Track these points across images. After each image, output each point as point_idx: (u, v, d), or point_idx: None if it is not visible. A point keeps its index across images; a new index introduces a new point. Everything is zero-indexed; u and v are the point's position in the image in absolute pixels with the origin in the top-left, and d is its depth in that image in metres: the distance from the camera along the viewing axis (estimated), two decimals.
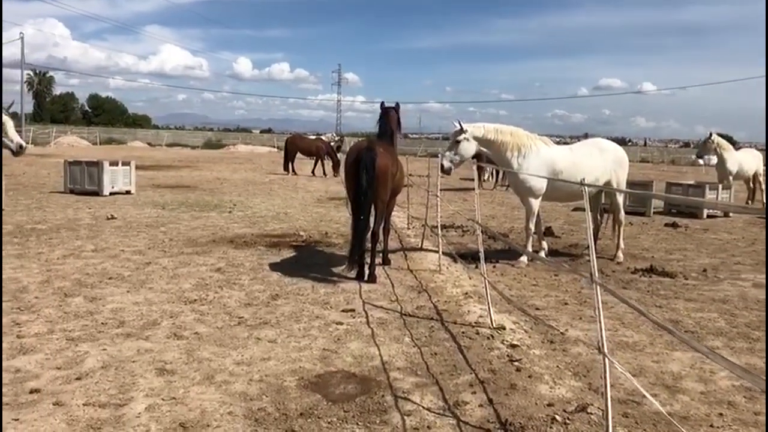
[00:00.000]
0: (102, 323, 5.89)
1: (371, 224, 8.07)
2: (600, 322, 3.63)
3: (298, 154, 28.76)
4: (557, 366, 5.10)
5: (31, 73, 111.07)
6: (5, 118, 8.30)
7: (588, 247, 10.80)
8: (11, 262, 8.31)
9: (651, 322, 6.14)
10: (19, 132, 9.11)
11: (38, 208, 14.06)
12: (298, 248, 10.15)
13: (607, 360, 3.57)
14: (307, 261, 9.06)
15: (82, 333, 5.58)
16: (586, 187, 4.13)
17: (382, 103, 9.16)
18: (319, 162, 28.40)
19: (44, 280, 7.44)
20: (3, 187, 10.40)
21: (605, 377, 3.57)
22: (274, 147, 65.55)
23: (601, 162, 9.65)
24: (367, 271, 7.97)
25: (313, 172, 27.94)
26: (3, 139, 8.29)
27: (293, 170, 28.02)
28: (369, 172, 7.83)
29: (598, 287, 3.71)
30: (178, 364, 4.92)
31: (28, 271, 7.85)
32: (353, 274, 7.96)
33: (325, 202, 17.65)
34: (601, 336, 3.61)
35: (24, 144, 8.55)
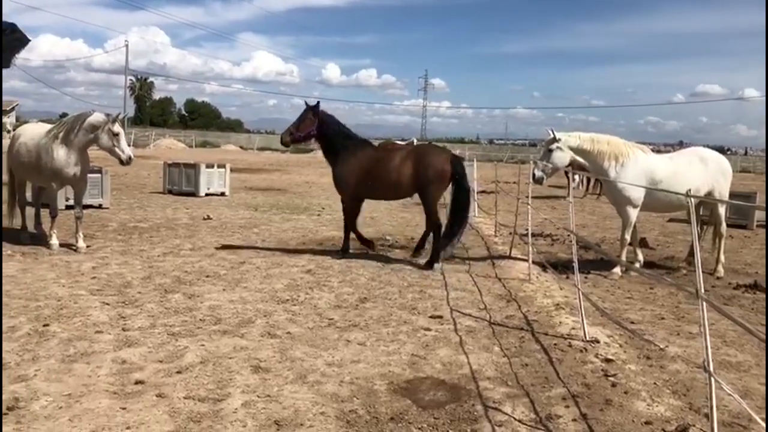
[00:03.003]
0: (200, 320, 6.13)
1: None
2: (705, 339, 3.47)
3: None
4: (654, 383, 4.91)
5: (134, 79, 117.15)
6: (118, 128, 8.77)
7: (686, 260, 10.25)
8: (117, 258, 8.79)
9: (756, 342, 5.82)
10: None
11: (140, 207, 14.83)
12: (385, 252, 10.23)
13: (712, 379, 3.41)
14: (393, 265, 9.12)
15: (182, 328, 5.83)
16: (691, 199, 3.95)
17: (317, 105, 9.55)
18: None
19: (146, 276, 7.82)
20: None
21: (710, 397, 3.41)
22: None
23: (701, 172, 9.23)
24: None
25: None
26: (114, 148, 8.77)
27: None
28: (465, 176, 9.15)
29: (704, 302, 3.55)
30: (272, 362, 5.06)
31: (131, 267, 8.27)
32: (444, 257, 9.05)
33: (411, 207, 17.59)
34: (707, 353, 3.45)
35: (133, 156, 9.01)
